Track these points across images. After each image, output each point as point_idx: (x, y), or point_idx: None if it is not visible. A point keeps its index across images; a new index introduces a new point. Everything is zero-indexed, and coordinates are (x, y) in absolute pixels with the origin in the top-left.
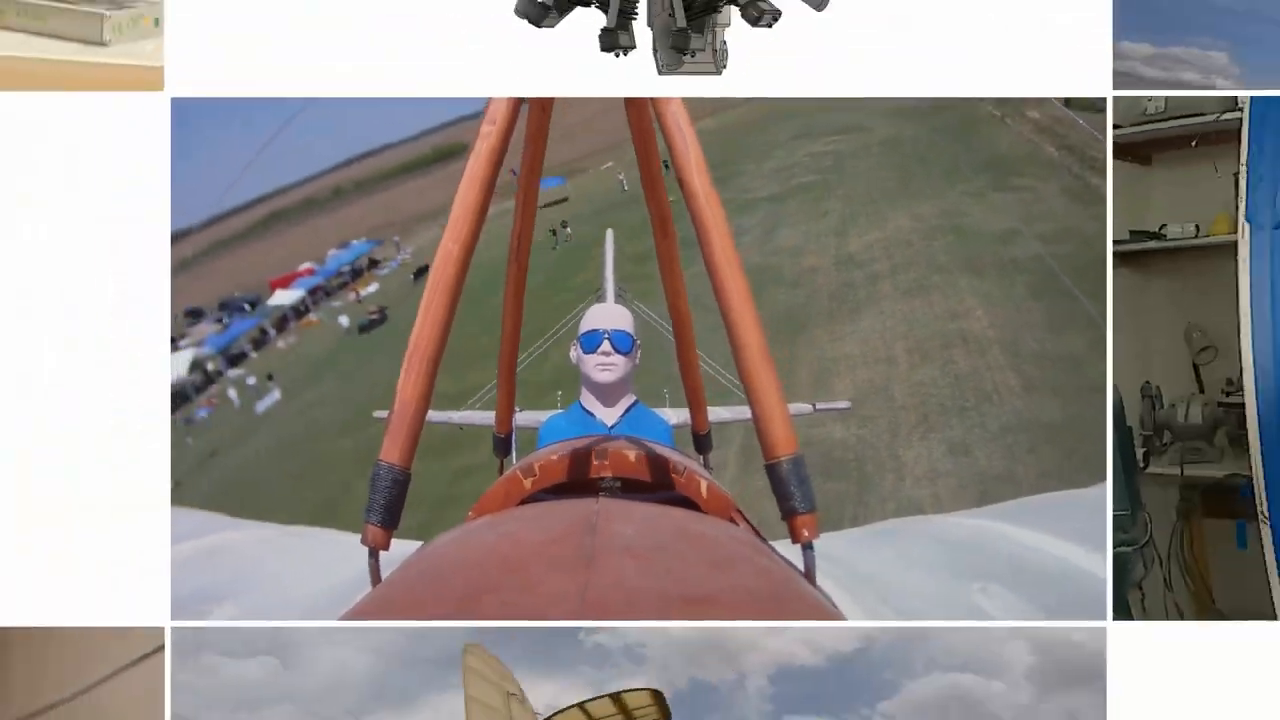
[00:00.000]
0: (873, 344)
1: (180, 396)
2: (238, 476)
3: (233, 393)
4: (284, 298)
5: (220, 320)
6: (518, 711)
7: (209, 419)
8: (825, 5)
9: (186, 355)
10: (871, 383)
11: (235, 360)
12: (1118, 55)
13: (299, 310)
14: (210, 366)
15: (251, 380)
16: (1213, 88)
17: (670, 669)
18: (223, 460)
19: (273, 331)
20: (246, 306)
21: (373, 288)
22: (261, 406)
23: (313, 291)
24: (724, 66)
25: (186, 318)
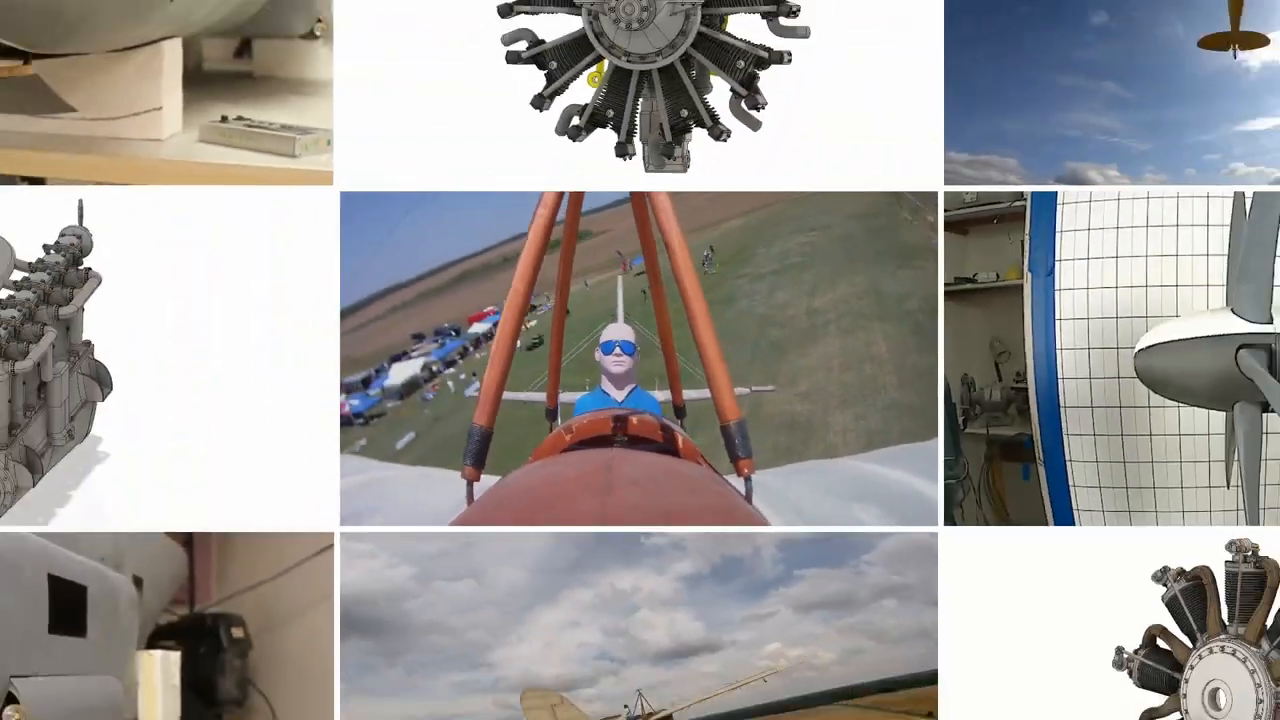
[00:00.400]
0: (822, 360)
1: (414, 385)
2: (452, 434)
3: (450, 384)
4: (478, 327)
5: (436, 340)
6: (564, 713)
7: (434, 399)
8: (760, 126)
9: (418, 361)
10: (818, 381)
11: (449, 364)
12: (947, 161)
13: (488, 335)
14: (435, 368)
15: (462, 376)
16: (1007, 183)
17: (705, 552)
18: (444, 424)
19: (472, 348)
20: (453, 332)
21: (533, 322)
22: (469, 392)
23: (496, 324)
24: (689, 167)
25: (413, 339)
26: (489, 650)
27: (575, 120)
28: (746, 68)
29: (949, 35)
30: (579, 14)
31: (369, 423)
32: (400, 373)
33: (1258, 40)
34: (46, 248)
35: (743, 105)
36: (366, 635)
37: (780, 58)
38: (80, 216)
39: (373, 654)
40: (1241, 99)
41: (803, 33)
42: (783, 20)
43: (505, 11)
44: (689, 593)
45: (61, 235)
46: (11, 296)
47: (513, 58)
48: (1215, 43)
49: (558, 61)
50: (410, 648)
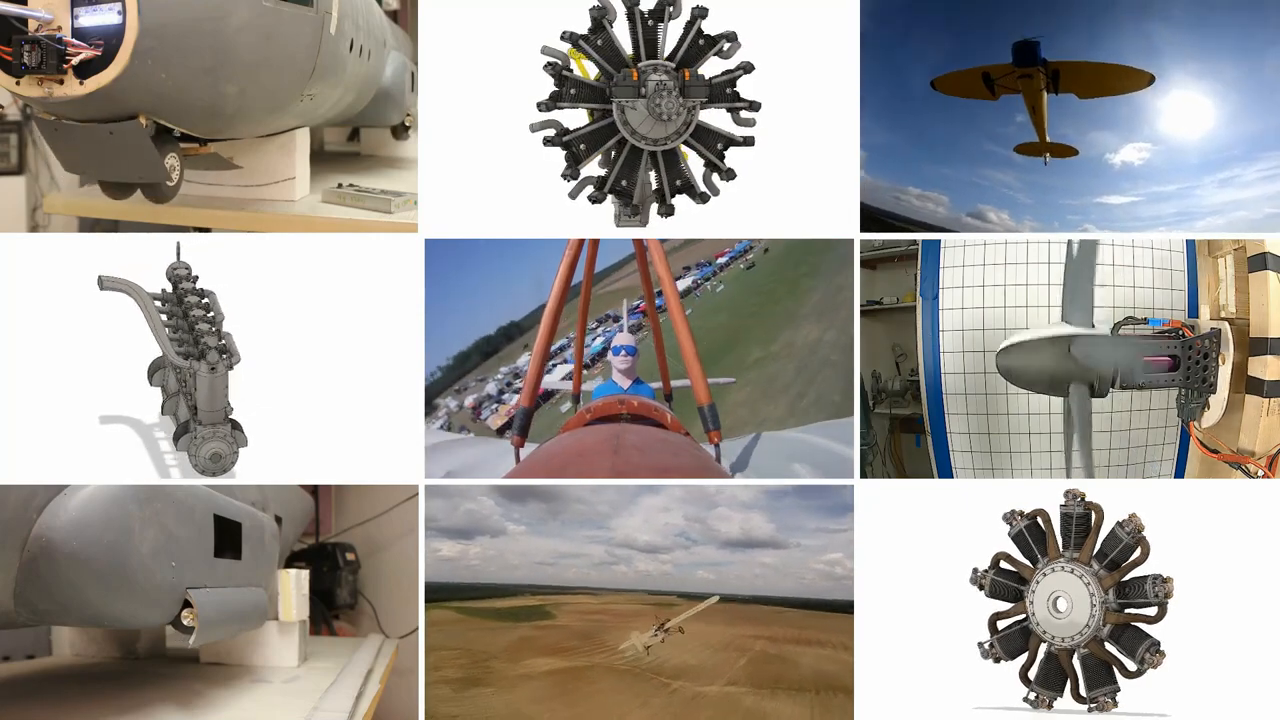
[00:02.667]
0: (805, 362)
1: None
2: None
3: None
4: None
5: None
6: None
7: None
8: (720, 193)
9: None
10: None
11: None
12: (902, 192)
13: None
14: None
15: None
16: (932, 216)
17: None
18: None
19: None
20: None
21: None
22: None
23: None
24: (649, 223)
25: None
26: (609, 519)
27: (590, 190)
28: (722, 149)
29: (922, 109)
30: (606, 107)
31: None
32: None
33: (1067, 150)
34: (174, 281)
35: (713, 177)
36: (543, 501)
37: (749, 141)
38: (178, 253)
39: (545, 512)
40: (1102, 180)
41: (751, 123)
42: (743, 114)
43: (546, 107)
44: (769, 501)
45: (176, 269)
46: (187, 315)
47: (550, 141)
48: (1029, 150)
49: (585, 145)
50: (565, 510)
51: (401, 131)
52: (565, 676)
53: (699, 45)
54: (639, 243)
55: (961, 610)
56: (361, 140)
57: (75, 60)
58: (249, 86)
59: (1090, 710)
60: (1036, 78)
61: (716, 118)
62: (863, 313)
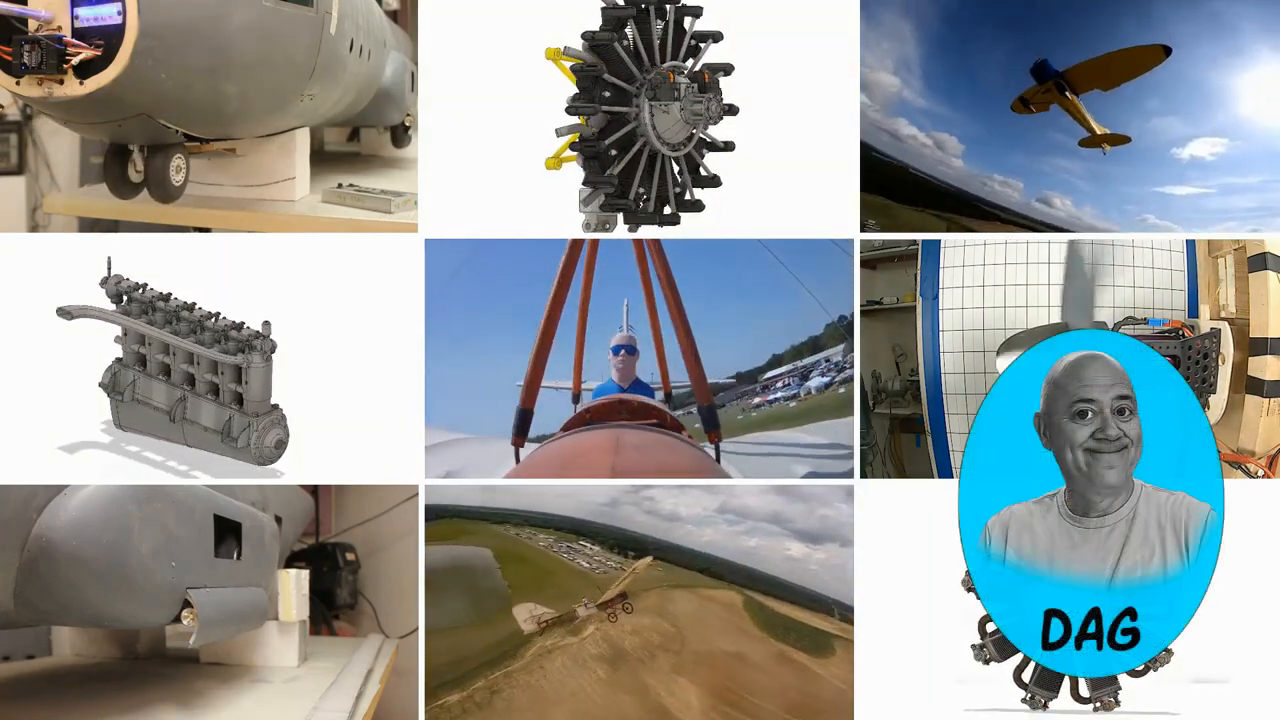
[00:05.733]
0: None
1: None
2: None
3: None
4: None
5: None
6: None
7: None
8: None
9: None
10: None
11: None
12: (988, 178)
13: None
14: None
15: None
16: (1008, 201)
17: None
18: None
19: None
20: None
21: None
22: None
23: None
24: (614, 228)
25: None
26: None
27: (604, 198)
28: (703, 155)
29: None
30: (629, 110)
31: None
32: None
33: (1120, 139)
34: (124, 294)
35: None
36: None
37: (729, 146)
38: (109, 267)
39: None
40: (1167, 170)
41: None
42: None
43: (588, 110)
44: None
45: (120, 282)
46: (179, 317)
47: (576, 145)
48: (1089, 144)
49: (615, 150)
50: None
51: (402, 134)
52: None
53: (692, 45)
54: (638, 243)
55: (962, 611)
56: (361, 140)
57: (75, 60)
58: (249, 86)
59: (1095, 710)
60: (1052, 90)
61: None
62: (863, 313)
